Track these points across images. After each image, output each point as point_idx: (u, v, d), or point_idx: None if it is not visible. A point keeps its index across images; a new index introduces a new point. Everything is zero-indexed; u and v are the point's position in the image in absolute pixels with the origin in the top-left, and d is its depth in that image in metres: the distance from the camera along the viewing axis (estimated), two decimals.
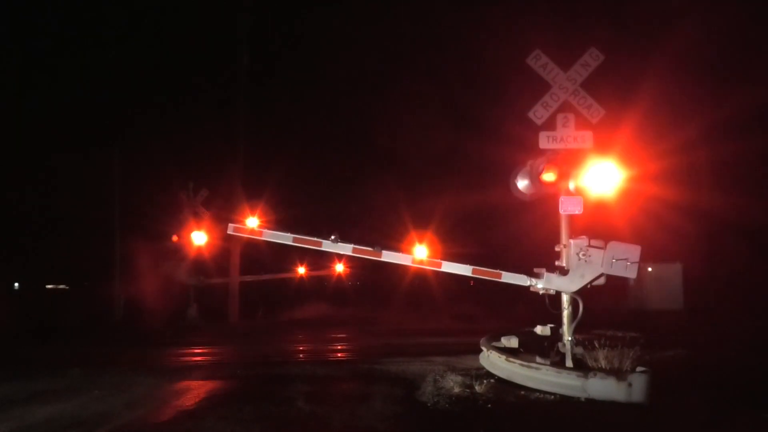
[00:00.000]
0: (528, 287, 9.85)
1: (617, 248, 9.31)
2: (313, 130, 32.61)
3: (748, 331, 16.00)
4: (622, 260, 9.27)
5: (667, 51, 21.77)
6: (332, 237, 10.21)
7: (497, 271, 9.96)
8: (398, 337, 17.74)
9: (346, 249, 10.32)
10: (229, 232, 10.68)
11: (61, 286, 31.49)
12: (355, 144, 33.05)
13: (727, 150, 23.02)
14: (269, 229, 10.71)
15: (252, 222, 10.70)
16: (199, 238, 22.92)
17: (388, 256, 10.20)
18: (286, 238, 10.55)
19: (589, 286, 9.52)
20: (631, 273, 9.34)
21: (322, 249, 10.46)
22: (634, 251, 9.28)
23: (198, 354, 15.28)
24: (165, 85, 30.39)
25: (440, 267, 10.13)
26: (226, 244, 24.49)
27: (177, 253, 23.14)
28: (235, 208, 22.45)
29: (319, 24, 31.48)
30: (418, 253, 10.16)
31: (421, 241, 10.26)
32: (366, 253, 10.21)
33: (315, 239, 10.49)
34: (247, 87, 26.59)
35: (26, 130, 28.44)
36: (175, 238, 23.00)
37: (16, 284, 29.77)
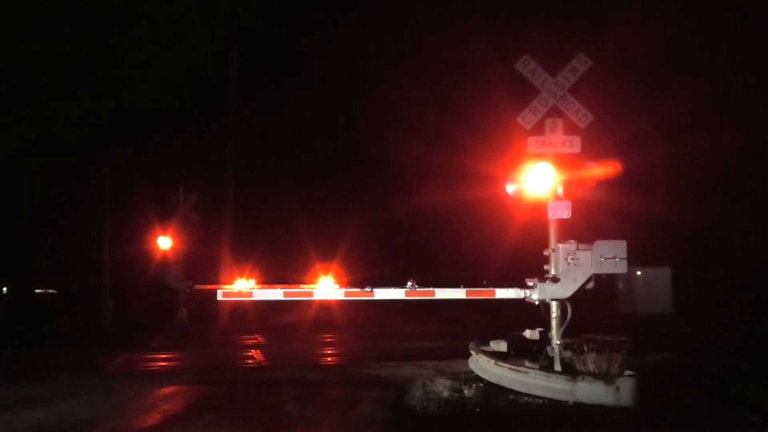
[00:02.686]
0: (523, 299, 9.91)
1: (604, 246, 9.39)
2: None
3: (737, 335, 16.07)
4: (610, 258, 9.35)
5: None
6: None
7: (490, 289, 10.03)
8: (388, 341, 17.75)
9: (338, 294, 10.39)
10: (219, 298, 10.72)
11: (50, 291, 31.33)
12: (343, 169, 32.75)
13: (715, 156, 23.16)
14: (259, 287, 10.88)
15: (240, 284, 10.80)
16: (188, 242, 22.88)
17: (380, 294, 10.20)
18: (277, 294, 10.63)
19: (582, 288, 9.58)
20: (621, 269, 9.43)
21: (314, 298, 10.54)
22: (620, 247, 9.37)
23: (187, 358, 15.24)
24: (155, 91, 30.31)
25: (434, 295, 10.17)
26: (217, 249, 24.44)
27: (166, 257, 23.05)
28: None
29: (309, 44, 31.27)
30: (410, 285, 10.19)
31: (414, 269, 10.36)
32: (358, 294, 10.27)
33: (306, 290, 10.63)
34: (236, 95, 26.57)
35: (13, 136, 28.33)
36: (164, 242, 22.93)
37: (5, 289, 29.63)
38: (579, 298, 9.64)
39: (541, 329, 10.15)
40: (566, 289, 9.51)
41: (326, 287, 10.48)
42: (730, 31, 24.08)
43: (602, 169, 9.61)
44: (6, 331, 19.73)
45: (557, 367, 9.34)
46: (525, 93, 10.03)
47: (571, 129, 9.87)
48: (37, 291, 30.63)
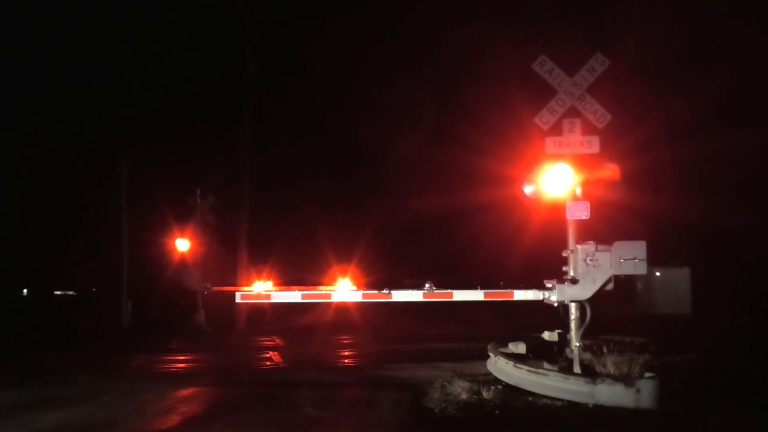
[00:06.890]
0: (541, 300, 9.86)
1: (623, 247, 9.33)
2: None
3: (757, 335, 15.90)
4: (629, 259, 9.29)
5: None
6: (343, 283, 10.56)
7: (509, 290, 9.98)
8: (405, 342, 17.71)
9: (356, 296, 10.38)
10: (237, 300, 10.75)
11: (70, 293, 31.59)
12: (355, 174, 32.68)
13: (732, 155, 22.98)
14: (277, 289, 10.92)
15: (258, 286, 10.83)
16: (205, 244, 22.97)
17: (398, 296, 10.18)
18: (294, 296, 10.65)
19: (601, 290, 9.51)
20: (640, 270, 9.37)
21: (332, 300, 10.53)
22: (640, 248, 9.32)
23: (205, 360, 15.30)
24: (171, 93, 30.46)
25: (451, 297, 10.11)
26: (234, 251, 24.52)
27: (184, 259, 23.17)
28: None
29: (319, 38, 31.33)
30: (428, 287, 10.16)
31: (432, 271, 10.32)
32: (376, 296, 10.24)
33: (324, 292, 10.64)
34: (252, 98, 26.62)
35: (32, 139, 28.57)
36: (182, 244, 23.04)
37: (25, 291, 29.91)
38: (598, 299, 9.57)
39: (559, 331, 10.09)
40: (585, 290, 9.45)
41: (344, 289, 10.48)
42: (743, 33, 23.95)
43: (620, 169, 9.54)
44: (26, 333, 19.90)
45: (576, 369, 9.27)
46: (542, 93, 9.97)
47: (589, 129, 9.80)
48: (57, 293, 30.91)
